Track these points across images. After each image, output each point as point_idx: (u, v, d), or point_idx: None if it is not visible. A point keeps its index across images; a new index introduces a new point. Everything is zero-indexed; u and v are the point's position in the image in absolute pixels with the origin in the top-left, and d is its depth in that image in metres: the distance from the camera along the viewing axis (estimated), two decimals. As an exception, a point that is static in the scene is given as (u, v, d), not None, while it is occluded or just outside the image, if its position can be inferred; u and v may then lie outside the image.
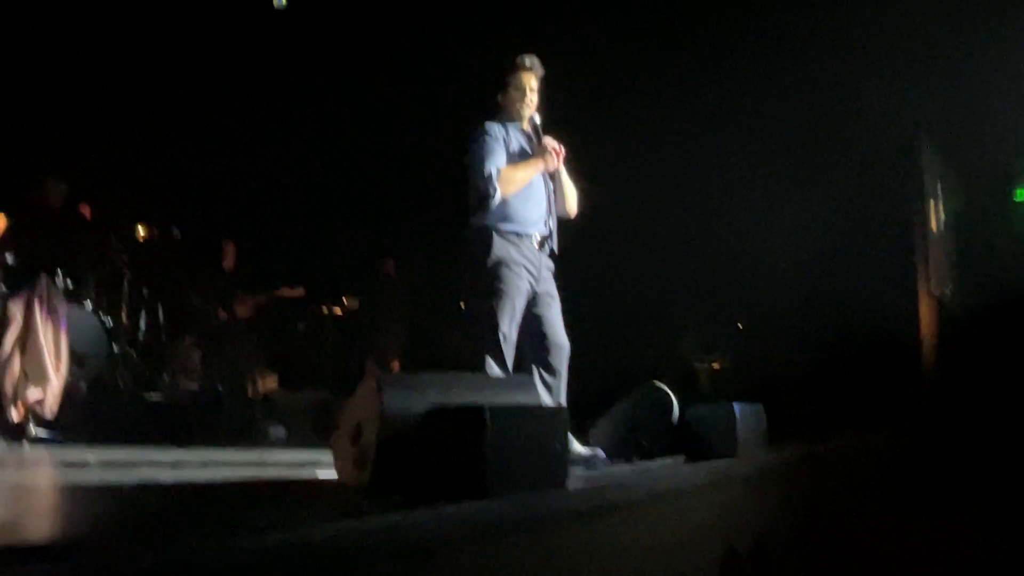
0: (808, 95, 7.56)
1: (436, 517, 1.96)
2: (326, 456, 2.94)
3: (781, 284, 7.90)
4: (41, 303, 4.83)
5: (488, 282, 3.31)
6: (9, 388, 4.68)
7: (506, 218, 3.37)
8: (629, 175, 7.60)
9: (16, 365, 4.73)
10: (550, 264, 3.49)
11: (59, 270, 5.54)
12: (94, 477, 3.16)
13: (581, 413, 3.32)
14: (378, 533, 1.81)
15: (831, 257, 7.77)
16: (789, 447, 4.31)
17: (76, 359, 5.30)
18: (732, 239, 7.83)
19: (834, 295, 7.62)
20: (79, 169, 6.12)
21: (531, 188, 3.44)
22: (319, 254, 8.04)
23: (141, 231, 7.15)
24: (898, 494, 5.93)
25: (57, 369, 4.84)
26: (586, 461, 3.25)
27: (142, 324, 6.97)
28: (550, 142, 3.47)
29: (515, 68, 3.49)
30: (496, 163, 3.32)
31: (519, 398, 2.70)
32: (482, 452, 2.10)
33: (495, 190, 3.31)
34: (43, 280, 4.94)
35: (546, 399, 3.26)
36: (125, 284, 6.59)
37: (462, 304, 8.40)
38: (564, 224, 3.64)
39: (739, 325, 8.66)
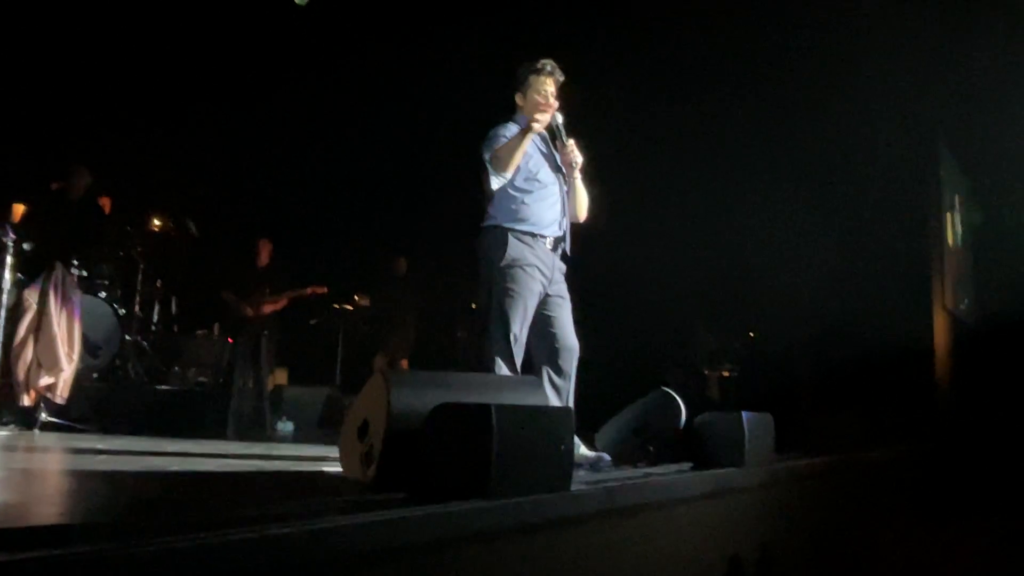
0: (827, 106, 7.52)
1: (439, 515, 1.96)
2: (332, 452, 2.95)
3: (794, 294, 7.86)
4: (56, 291, 4.88)
5: (501, 283, 3.29)
6: (22, 374, 4.74)
7: (520, 219, 3.36)
8: (645, 182, 7.59)
9: (29, 352, 4.78)
10: (562, 266, 3.48)
11: (75, 259, 5.59)
12: (101, 464, 3.17)
13: (588, 416, 3.31)
14: (380, 529, 1.81)
15: (845, 268, 7.73)
16: (797, 458, 4.28)
17: (89, 348, 5.34)
18: (746, 248, 7.79)
19: (848, 306, 7.58)
20: (101, 161, 6.18)
21: (546, 189, 3.43)
22: (331, 252, 8.08)
23: (156, 223, 7.21)
24: (908, 507, 5.89)
25: (70, 357, 4.88)
26: (591, 464, 3.24)
27: (155, 315, 7.02)
28: (573, 147, 3.47)
29: (534, 71, 3.48)
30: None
31: (526, 399, 2.70)
32: (488, 451, 2.09)
33: (492, 173, 3.29)
34: (59, 269, 4.99)
35: (554, 401, 3.25)
36: (140, 275, 6.64)
37: (472, 305, 8.49)
38: (578, 228, 3.63)
39: (751, 334, 8.62)
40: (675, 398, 3.59)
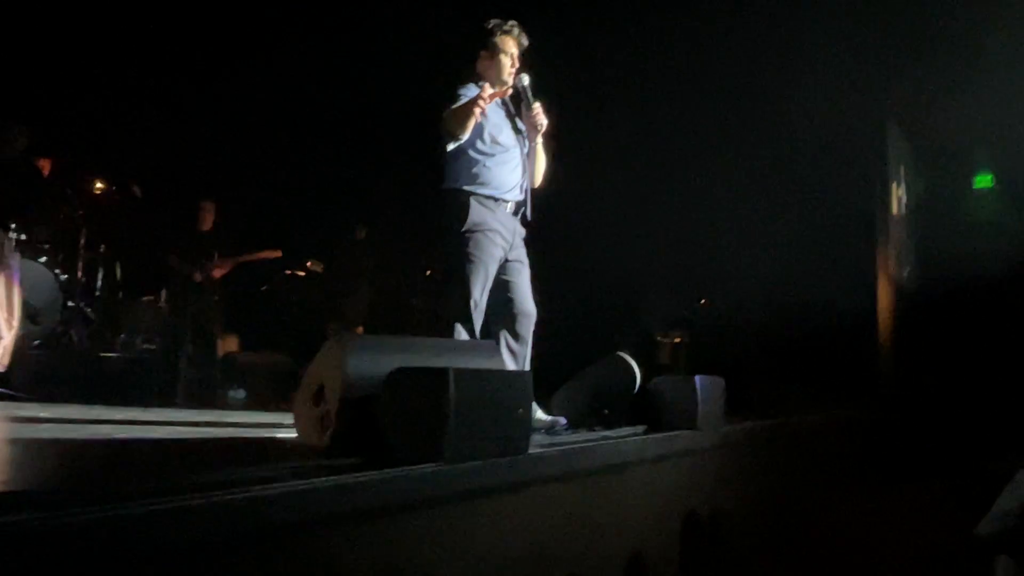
0: (776, 77, 7.59)
1: (396, 479, 1.95)
2: (286, 419, 2.91)
3: (744, 261, 7.98)
4: (-7, 256, 4.70)
5: (462, 248, 3.25)
6: (-41, 341, 4.57)
7: (482, 182, 3.32)
8: (599, 149, 7.58)
9: (-34, 318, 4.61)
10: (522, 231, 3.46)
11: (11, 222, 5.38)
12: (45, 432, 3.08)
13: (544, 381, 3.32)
14: (336, 494, 1.79)
15: (793, 236, 7.86)
16: (748, 421, 4.37)
17: (29, 313, 5.17)
18: (697, 216, 7.87)
19: (795, 273, 7.72)
20: (39, 120, 5.93)
21: (507, 153, 3.38)
22: (285, 216, 7.93)
23: (99, 185, 6.97)
24: (854, 469, 6.08)
25: (9, 323, 4.72)
26: (548, 428, 3.25)
27: (99, 281, 6.81)
28: (540, 110, 3.42)
29: (503, 31, 3.41)
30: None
31: (484, 363, 2.69)
32: (445, 415, 2.08)
33: (444, 134, 3.23)
34: (-5, 232, 4.80)
35: (511, 365, 3.24)
36: (82, 239, 6.43)
37: (428, 272, 8.43)
38: (535, 194, 3.60)
39: (702, 301, 8.74)
40: (630, 362, 3.63)
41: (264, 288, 8.17)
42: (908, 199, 10.42)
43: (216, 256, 6.49)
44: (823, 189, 7.94)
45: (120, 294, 7.17)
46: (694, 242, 7.86)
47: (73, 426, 3.32)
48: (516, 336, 3.33)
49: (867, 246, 8.62)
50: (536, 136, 3.48)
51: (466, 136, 3.25)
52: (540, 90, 3.48)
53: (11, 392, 4.62)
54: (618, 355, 3.69)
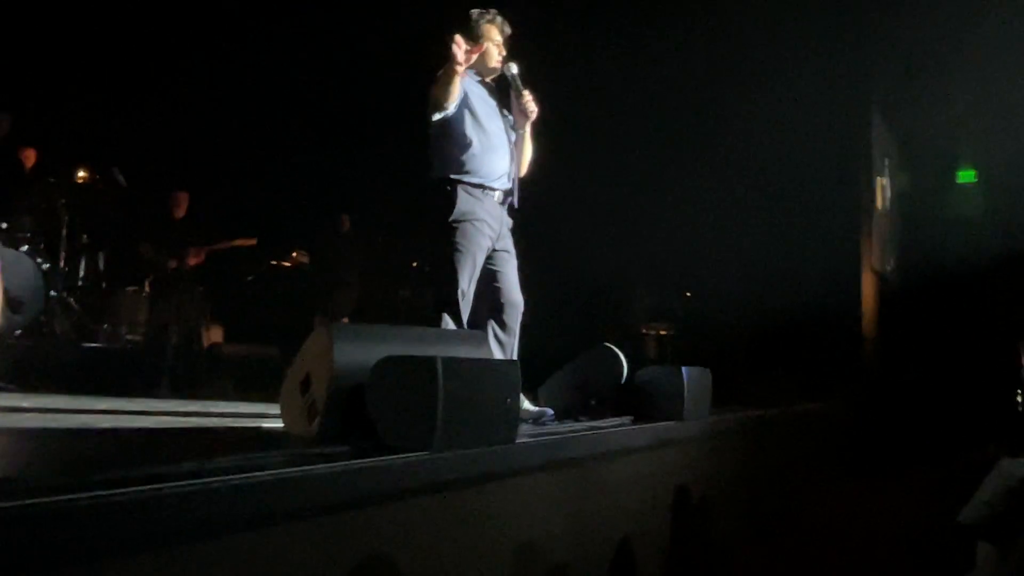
0: (761, 71, 7.61)
1: (384, 469, 1.94)
2: (272, 409, 2.89)
3: (729, 254, 8.02)
4: (-27, 244, 4.64)
5: (450, 237, 3.24)
6: (-61, 331, 4.51)
7: (469, 171, 3.30)
8: (586, 142, 7.59)
9: (-54, 308, 4.54)
10: (509, 220, 3.44)
11: (-7, 212, 5.32)
12: (28, 422, 3.06)
13: (531, 372, 3.32)
14: (324, 483, 1.79)
15: (779, 229, 7.91)
16: (734, 412, 4.40)
17: (11, 303, 5.11)
18: (684, 209, 7.90)
19: (780, 266, 7.77)
20: (21, 109, 5.87)
21: (494, 141, 3.37)
22: (271, 207, 7.88)
23: (82, 174, 6.90)
24: (839, 458, 6.14)
25: (-10, 313, 4.65)
26: (535, 418, 3.25)
27: (82, 271, 6.75)
28: (529, 98, 3.40)
29: (488, 20, 3.40)
30: None
31: (472, 353, 2.69)
32: (433, 404, 2.08)
33: (431, 104, 3.19)
34: (-24, 220, 4.74)
35: (498, 356, 3.24)
36: (64, 229, 6.36)
37: (414, 263, 8.40)
38: (522, 183, 3.59)
39: (687, 294, 8.77)
40: (617, 353, 3.64)
41: (249, 279, 8.12)
42: (892, 193, 10.50)
43: (189, 245, 6.47)
44: (808, 182, 7.99)
45: (104, 284, 7.11)
46: (680, 235, 7.88)
47: (56, 416, 3.29)
48: (503, 326, 3.33)
49: (851, 239, 8.68)
50: (525, 124, 3.47)
51: (451, 105, 3.19)
52: (528, 81, 3.47)
53: (-8, 383, 4.57)
54: (605, 346, 3.71)
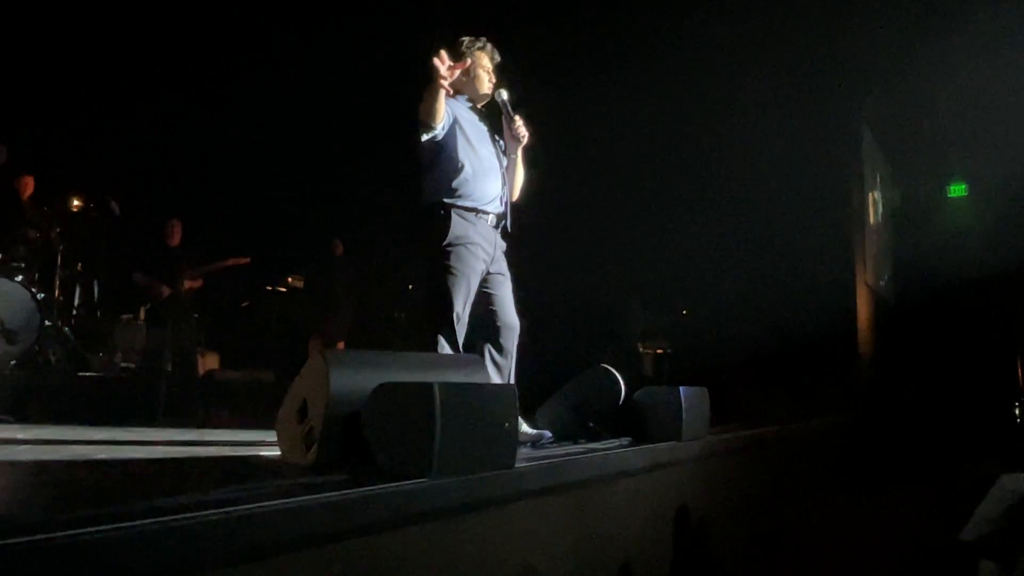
0: (753, 90, 7.68)
1: (382, 496, 1.94)
2: (269, 436, 2.88)
3: (724, 272, 8.04)
4: (-32, 275, 4.63)
5: (443, 261, 3.24)
6: (-67, 363, 4.48)
7: (462, 195, 3.31)
8: (581, 163, 7.63)
9: (-59, 339, 4.53)
10: (503, 243, 3.45)
11: (-13, 241, 5.32)
12: (25, 454, 3.03)
13: (528, 394, 3.32)
14: (322, 512, 1.78)
15: (772, 246, 7.94)
16: (731, 431, 4.39)
17: (6, 334, 5.10)
18: (677, 227, 7.93)
19: (775, 283, 7.79)
20: (16, 139, 5.89)
21: (486, 164, 3.39)
22: (265, 232, 7.90)
23: (76, 203, 6.90)
24: (837, 475, 6.12)
25: (-15, 344, 4.64)
26: (533, 442, 3.25)
27: (76, 299, 6.74)
28: (521, 123, 3.43)
29: (478, 47, 3.43)
30: None
31: (469, 377, 2.68)
32: (431, 430, 2.07)
33: (419, 124, 3.20)
34: (-30, 251, 4.73)
35: (495, 379, 3.24)
36: (59, 258, 6.35)
37: (410, 286, 8.41)
38: (517, 207, 3.61)
39: (683, 312, 8.79)
40: (614, 374, 3.63)
41: (245, 304, 8.11)
42: (884, 208, 10.56)
43: (184, 271, 6.49)
44: (801, 199, 8.03)
45: (98, 312, 7.09)
46: (674, 253, 7.91)
47: (52, 447, 3.27)
48: (500, 349, 3.33)
49: (845, 255, 8.72)
50: (517, 149, 3.49)
51: (438, 125, 3.20)
52: (524, 104, 3.50)
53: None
54: (602, 367, 3.70)
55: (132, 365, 6.62)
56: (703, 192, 7.87)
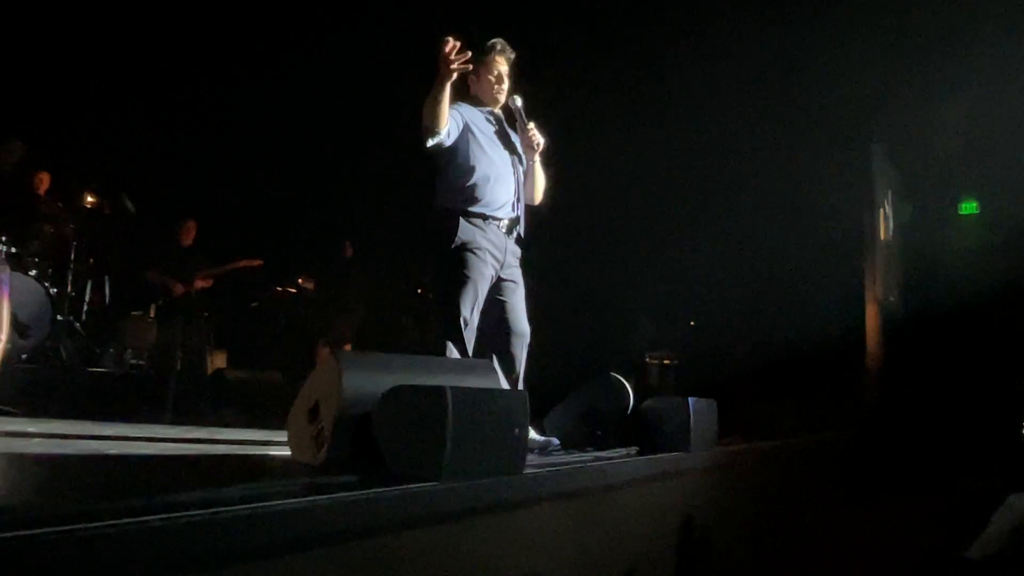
0: (766, 104, 7.68)
1: (392, 498, 1.95)
2: (278, 436, 2.89)
3: (732, 284, 8.03)
4: (-17, 269, 4.66)
5: (451, 266, 3.25)
6: (-53, 355, 4.51)
7: (472, 200, 3.32)
8: (590, 172, 7.64)
9: (-45, 332, 4.56)
10: (516, 250, 3.46)
11: (3, 236, 5.36)
12: (36, 448, 3.06)
13: (536, 401, 3.32)
14: (332, 512, 1.79)
15: (782, 260, 7.92)
16: (738, 443, 4.38)
17: (18, 328, 5.13)
18: (686, 239, 7.92)
19: (784, 297, 7.77)
20: (32, 135, 5.94)
21: (498, 170, 3.40)
22: (276, 234, 7.94)
23: (90, 199, 6.96)
24: (843, 489, 6.10)
25: (-3, 337, 4.67)
26: (540, 448, 3.25)
27: (88, 295, 6.79)
28: (534, 129, 3.44)
29: (484, 53, 3.45)
30: None
31: (480, 382, 2.69)
32: (442, 434, 2.08)
33: (423, 130, 3.17)
34: (-14, 245, 4.78)
35: (505, 385, 3.24)
36: (72, 253, 6.41)
37: (419, 290, 8.43)
38: (528, 213, 3.62)
39: (691, 323, 8.77)
40: (623, 383, 3.64)
41: (254, 305, 8.15)
42: (894, 224, 10.53)
43: (196, 270, 6.53)
44: (811, 214, 8.01)
45: (109, 309, 7.14)
46: (683, 264, 7.91)
47: (63, 441, 3.29)
48: (510, 355, 3.33)
49: (854, 270, 8.69)
50: (533, 155, 3.50)
51: (443, 130, 3.17)
52: (538, 112, 3.51)
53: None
54: (611, 376, 3.70)
55: (142, 362, 6.66)
56: (712, 204, 7.86)
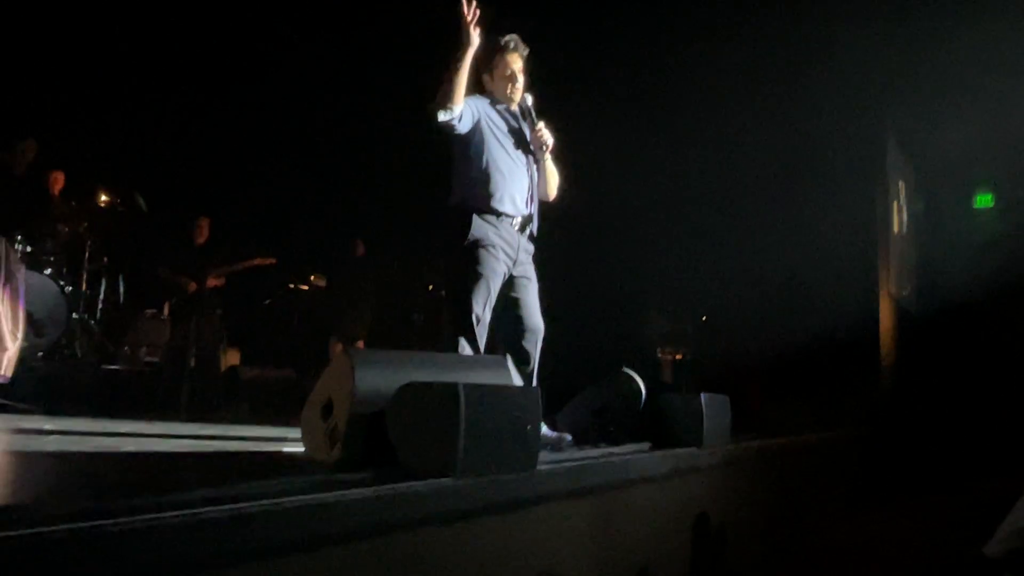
0: (779, 97, 7.63)
1: (405, 495, 1.95)
2: (292, 433, 2.90)
3: (745, 278, 7.99)
4: (-1, 267, 4.70)
5: (463, 263, 3.25)
6: (-36, 353, 4.55)
7: (485, 197, 3.31)
8: (603, 167, 7.62)
9: (-29, 330, 4.60)
10: (529, 247, 3.45)
11: (18, 234, 5.40)
12: (52, 445, 3.08)
13: (548, 397, 3.31)
14: (345, 509, 1.79)
15: (795, 254, 7.88)
16: (751, 439, 4.37)
17: (34, 325, 5.17)
18: (699, 233, 7.89)
19: (797, 292, 7.73)
20: (46, 134, 5.98)
21: (511, 166, 3.40)
22: (288, 232, 7.96)
23: (104, 198, 7.00)
24: (856, 487, 6.07)
25: (14, 335, 4.71)
26: (553, 445, 3.25)
27: (102, 293, 6.84)
28: (543, 128, 3.44)
29: (499, 50, 3.44)
30: None
31: (493, 379, 2.69)
32: (455, 431, 2.08)
33: (436, 107, 3.16)
34: (1, 244, 4.80)
35: (518, 382, 3.24)
36: (86, 252, 6.45)
37: (430, 287, 8.44)
38: (543, 209, 3.61)
39: (703, 318, 8.74)
40: (636, 379, 3.63)
41: (266, 302, 8.18)
42: (909, 218, 10.45)
43: (209, 268, 6.55)
44: (824, 207, 7.96)
45: (123, 307, 7.19)
46: (695, 259, 7.88)
47: (78, 438, 3.31)
48: (523, 352, 3.33)
49: (868, 264, 8.63)
50: (544, 154, 3.50)
51: (457, 107, 3.17)
52: (549, 105, 3.50)
53: (13, 403, 4.61)
54: (624, 372, 3.69)
55: (156, 359, 6.70)
56: (724, 199, 7.83)
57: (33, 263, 5.52)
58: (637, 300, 8.40)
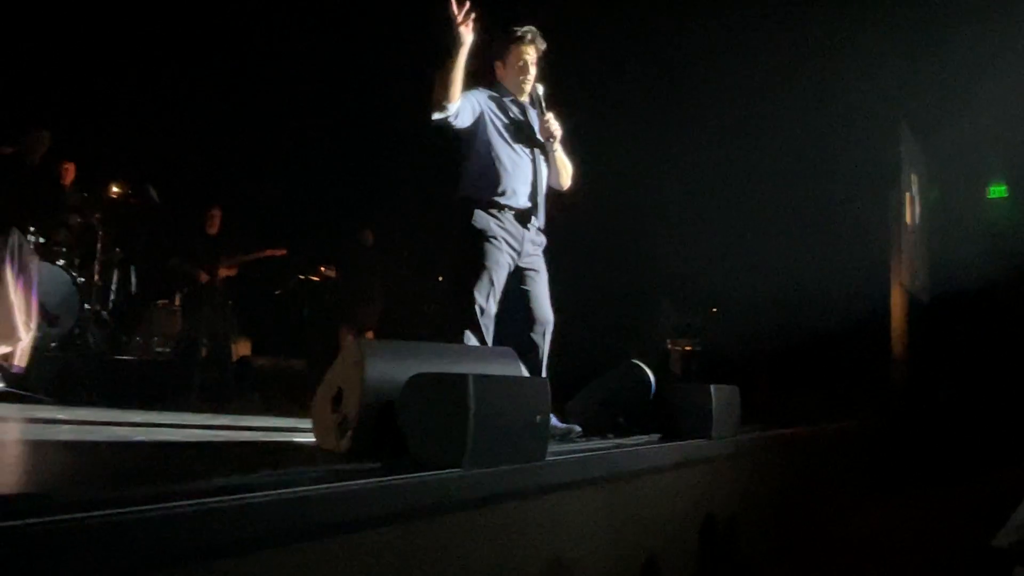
0: (793, 87, 7.59)
1: (415, 485, 1.96)
2: (302, 423, 2.92)
3: (756, 269, 7.96)
4: (12, 259, 4.73)
5: (466, 254, 3.26)
6: (-23, 344, 4.60)
7: (490, 189, 3.31)
8: (613, 160, 7.60)
9: (-15, 321, 4.64)
10: (536, 238, 3.44)
11: (31, 226, 5.43)
12: (65, 434, 3.11)
13: (558, 388, 3.32)
14: (356, 499, 1.80)
15: (807, 245, 7.85)
16: (760, 430, 4.36)
17: (47, 316, 5.21)
18: (709, 225, 7.87)
19: (808, 282, 7.70)
20: (59, 125, 6.01)
21: (518, 160, 3.39)
22: (298, 222, 7.98)
23: (116, 189, 7.03)
24: (867, 477, 6.06)
25: (27, 326, 4.75)
26: (562, 435, 3.25)
27: (114, 284, 6.88)
28: (552, 119, 3.43)
29: (515, 40, 3.43)
30: None
31: (502, 370, 2.70)
32: (465, 421, 2.09)
33: (434, 107, 3.14)
34: (15, 235, 4.83)
35: (526, 373, 3.24)
36: (99, 243, 6.49)
37: (440, 278, 8.45)
38: (553, 200, 3.60)
39: (713, 309, 8.73)
40: (645, 370, 3.63)
41: (277, 293, 8.21)
42: (922, 208, 10.38)
43: (222, 258, 6.58)
44: (837, 198, 7.93)
45: (136, 298, 7.23)
46: (706, 250, 7.85)
47: (91, 428, 3.34)
48: (532, 343, 3.33)
49: (881, 255, 8.59)
50: (553, 144, 3.49)
51: (452, 105, 3.15)
52: (560, 97, 3.49)
53: (27, 393, 4.65)
54: (633, 363, 3.69)
55: (167, 350, 6.74)
56: (737, 189, 7.80)
57: (46, 254, 5.56)
58: (647, 291, 8.39)
